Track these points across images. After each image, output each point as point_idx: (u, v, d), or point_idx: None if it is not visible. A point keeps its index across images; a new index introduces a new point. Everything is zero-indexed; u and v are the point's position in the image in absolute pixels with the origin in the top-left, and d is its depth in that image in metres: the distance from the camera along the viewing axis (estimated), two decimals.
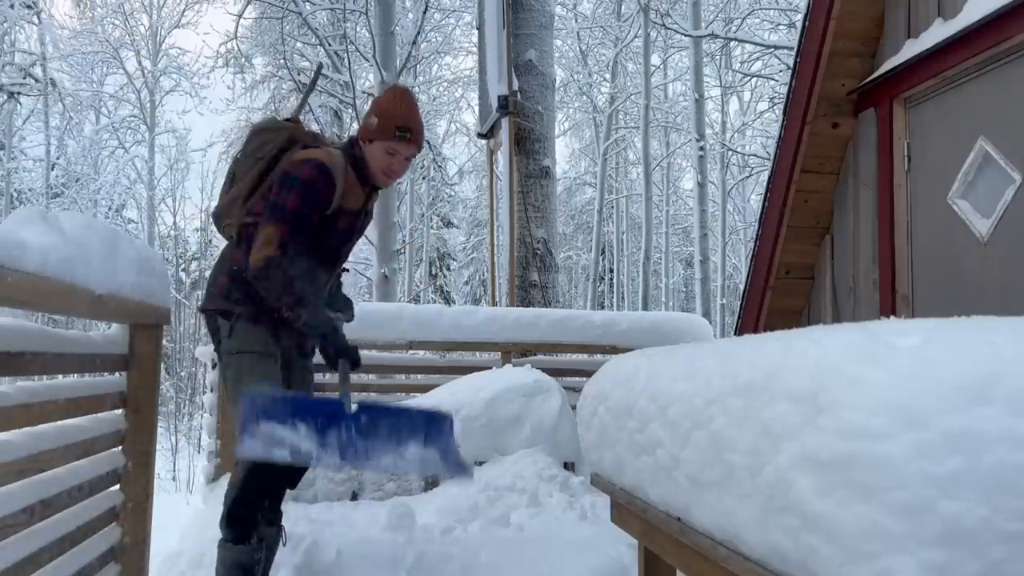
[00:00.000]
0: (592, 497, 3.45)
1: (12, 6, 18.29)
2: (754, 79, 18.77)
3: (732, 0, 16.70)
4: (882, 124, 3.69)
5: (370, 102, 2.48)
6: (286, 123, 2.61)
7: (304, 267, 2.34)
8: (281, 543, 2.54)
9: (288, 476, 2.44)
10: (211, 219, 2.70)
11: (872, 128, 3.77)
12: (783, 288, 4.30)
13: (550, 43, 7.39)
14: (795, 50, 4.06)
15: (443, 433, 2.23)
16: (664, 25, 14.67)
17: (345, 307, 2.77)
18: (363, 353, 2.70)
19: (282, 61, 14.37)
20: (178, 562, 2.90)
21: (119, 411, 2.44)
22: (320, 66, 3.53)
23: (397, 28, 10.49)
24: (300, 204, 2.34)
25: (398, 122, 2.48)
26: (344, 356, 2.35)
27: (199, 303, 2.59)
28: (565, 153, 27.38)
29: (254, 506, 2.34)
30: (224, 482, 3.83)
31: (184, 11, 22.80)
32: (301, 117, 2.78)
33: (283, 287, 2.26)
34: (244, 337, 2.42)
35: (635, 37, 17.23)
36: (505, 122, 6.65)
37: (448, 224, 27.64)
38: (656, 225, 19.85)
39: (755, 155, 18.76)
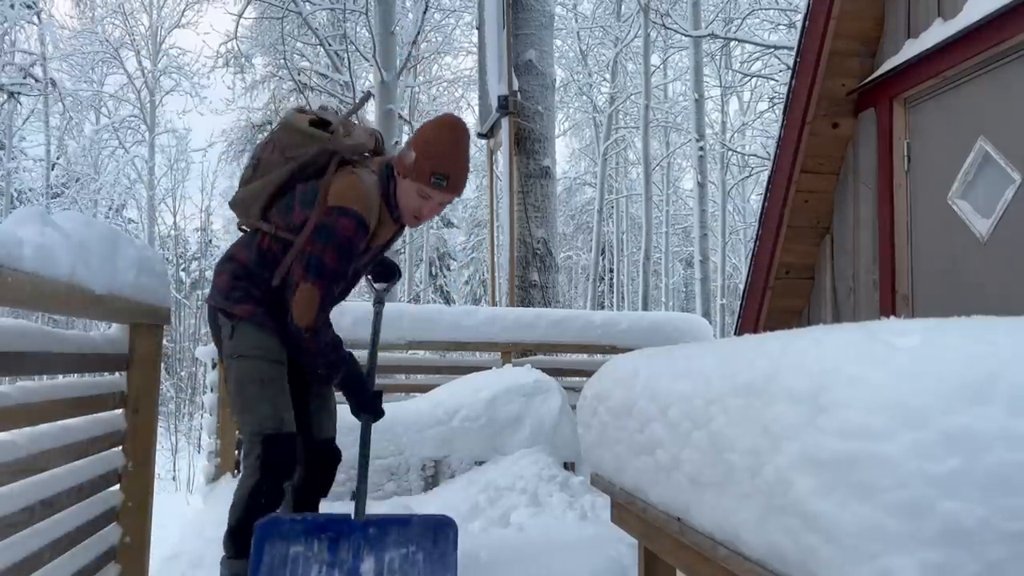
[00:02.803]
0: (592, 497, 3.45)
1: (12, 6, 18.27)
2: (754, 79, 18.76)
3: (732, 0, 16.70)
4: (882, 124, 3.69)
5: (416, 129, 2.27)
6: (324, 131, 2.36)
7: (335, 335, 2.33)
8: None
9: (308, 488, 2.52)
10: (229, 206, 2.52)
11: (872, 128, 3.77)
12: (783, 288, 4.29)
13: (550, 43, 7.38)
14: (795, 50, 4.06)
15: (448, 543, 2.31)
16: (664, 25, 14.67)
17: (389, 273, 2.74)
18: (362, 352, 2.70)
19: (282, 61, 14.36)
20: (178, 562, 2.90)
21: (119, 411, 2.44)
22: (368, 95, 3.12)
23: (397, 28, 10.49)
24: (338, 261, 2.22)
25: (436, 167, 2.22)
26: (367, 411, 2.39)
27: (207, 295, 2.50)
28: (565, 153, 27.43)
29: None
30: (224, 482, 3.84)
31: (184, 11, 22.81)
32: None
33: (323, 353, 2.27)
34: (247, 339, 2.31)
35: (635, 37, 17.22)
36: (505, 122, 6.65)
37: (448, 224, 27.64)
38: (656, 225, 19.85)
39: (755, 155, 18.75)
